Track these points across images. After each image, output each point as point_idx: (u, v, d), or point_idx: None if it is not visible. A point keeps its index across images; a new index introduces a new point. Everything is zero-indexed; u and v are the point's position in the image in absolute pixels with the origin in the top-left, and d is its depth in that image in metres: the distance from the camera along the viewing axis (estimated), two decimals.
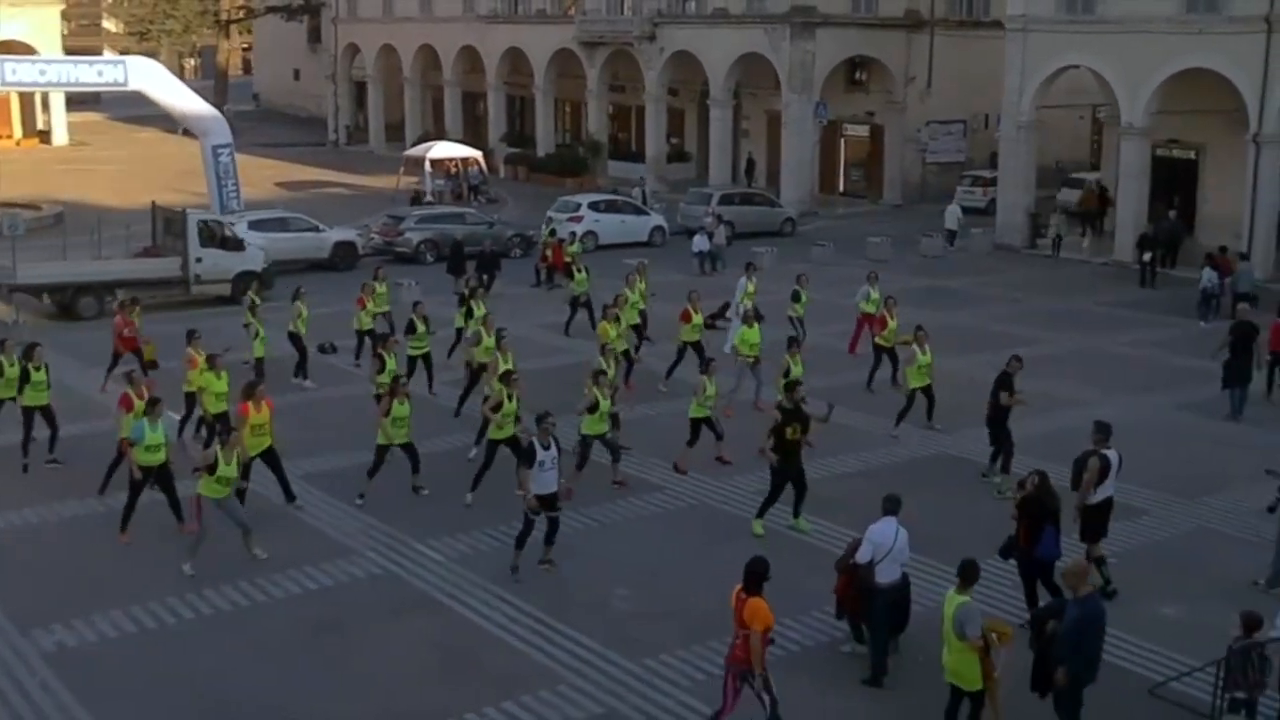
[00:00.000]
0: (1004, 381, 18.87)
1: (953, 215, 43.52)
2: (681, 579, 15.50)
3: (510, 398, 17.75)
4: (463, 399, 21.69)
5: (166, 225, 32.69)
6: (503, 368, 19.65)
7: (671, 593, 15.10)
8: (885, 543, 13.09)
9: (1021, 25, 41.20)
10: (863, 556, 13.17)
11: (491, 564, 15.61)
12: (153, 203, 34.99)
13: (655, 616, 14.48)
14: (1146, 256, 36.00)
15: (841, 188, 54.49)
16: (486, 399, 18.71)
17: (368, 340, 24.54)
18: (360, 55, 71.77)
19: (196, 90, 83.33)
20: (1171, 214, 39.37)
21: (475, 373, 21.31)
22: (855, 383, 23.98)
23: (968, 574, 11.55)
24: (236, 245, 32.21)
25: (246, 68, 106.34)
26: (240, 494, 16.32)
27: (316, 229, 36.26)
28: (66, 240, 35.03)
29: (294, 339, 24.25)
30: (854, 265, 37.16)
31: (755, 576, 11.51)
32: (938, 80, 50.97)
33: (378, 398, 18.89)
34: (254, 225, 35.47)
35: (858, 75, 52.51)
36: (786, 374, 19.82)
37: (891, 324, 23.76)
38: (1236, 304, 29.09)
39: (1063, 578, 11.99)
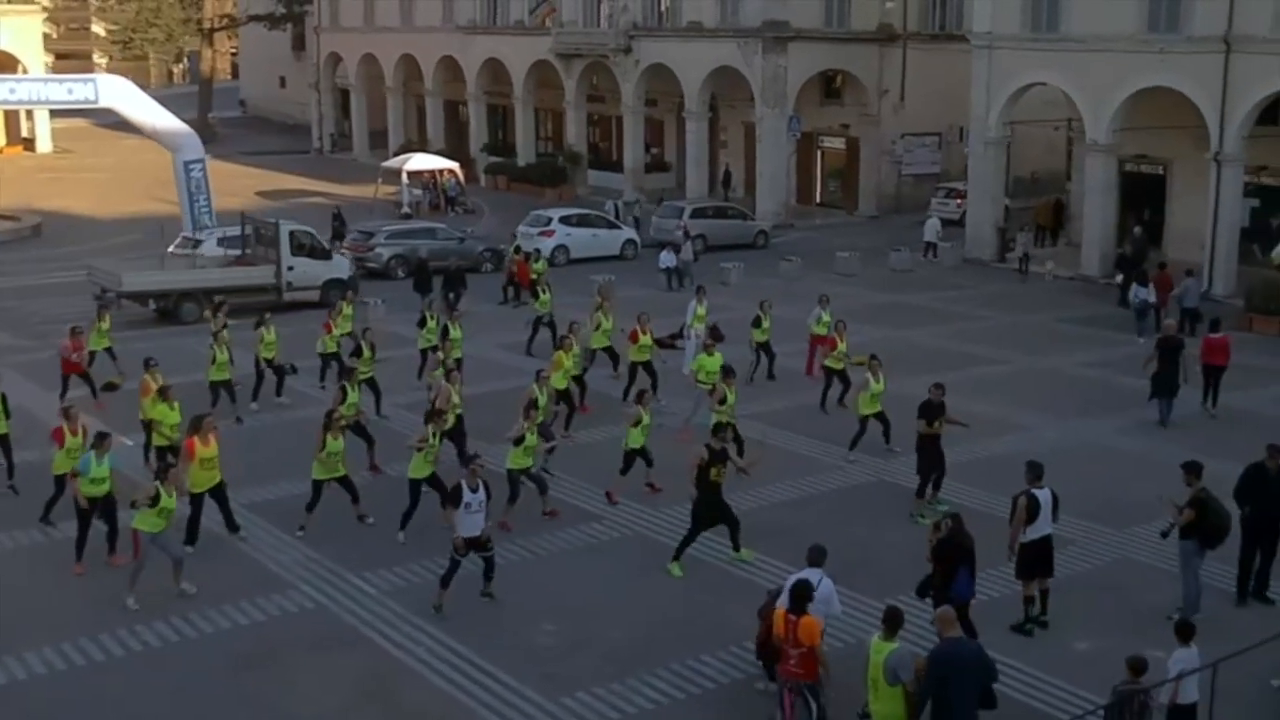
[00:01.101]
0: (925, 409, 19.16)
1: (932, 228, 43.94)
2: (609, 613, 15.78)
3: (436, 436, 18.08)
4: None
5: (257, 235, 34.58)
6: (454, 401, 20.03)
7: (597, 627, 15.37)
8: None
9: (987, 42, 41.54)
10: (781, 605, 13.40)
11: (423, 597, 15.88)
12: (242, 214, 36.78)
13: (578, 652, 14.73)
14: (1119, 278, 35.87)
15: (818, 199, 54.85)
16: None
17: (334, 364, 25.01)
18: (343, 64, 72.12)
19: (182, 97, 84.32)
20: (1137, 230, 39.72)
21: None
22: (809, 404, 24.27)
23: (893, 622, 11.73)
24: (324, 254, 34.43)
25: (235, 72, 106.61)
26: (194, 526, 16.75)
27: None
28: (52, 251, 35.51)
29: (260, 364, 24.59)
30: (822, 281, 37.60)
31: (801, 598, 12.32)
32: (911, 93, 51.29)
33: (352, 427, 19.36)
34: (223, 241, 35.75)
35: (834, 85, 52.83)
36: (723, 401, 20.23)
37: (841, 346, 24.03)
38: (1184, 319, 29.89)
39: (933, 621, 12.30)
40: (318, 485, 18.00)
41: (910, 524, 18.32)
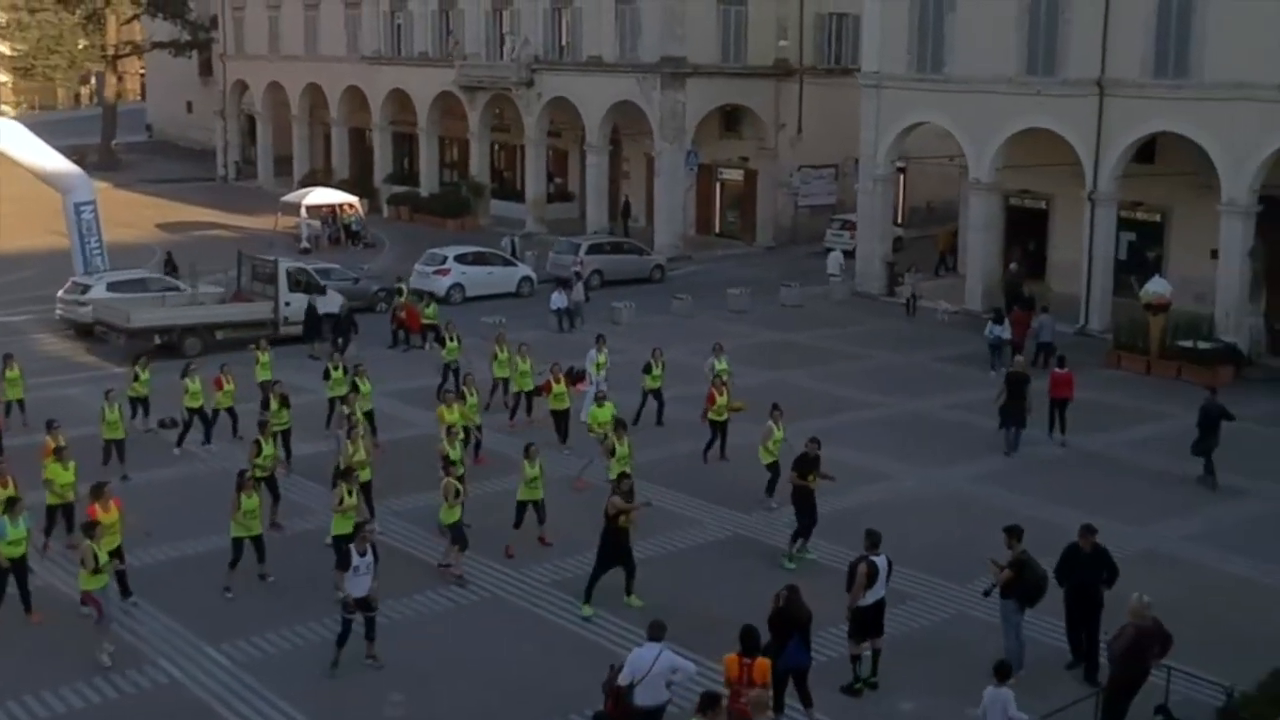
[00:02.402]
0: (801, 463, 19.91)
1: (835, 261, 44.85)
2: (461, 679, 16.21)
3: (351, 493, 18.50)
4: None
5: (253, 272, 36.44)
6: (354, 456, 20.37)
7: (445, 698, 15.78)
8: (641, 667, 13.57)
9: (875, 82, 42.50)
10: (623, 679, 13.88)
11: (276, 669, 16.25)
12: (239, 251, 38.53)
13: None
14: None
15: (718, 230, 55.62)
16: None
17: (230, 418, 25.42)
18: (249, 91, 71.98)
19: (89, 119, 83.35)
20: (1013, 266, 40.80)
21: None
22: (685, 454, 24.78)
23: (703, 702, 12.31)
24: (319, 290, 35.51)
25: (145, 92, 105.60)
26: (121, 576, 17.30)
27: (177, 288, 36.55)
28: None
29: (193, 414, 25.05)
30: (713, 318, 38.31)
31: (754, 641, 13.52)
32: (808, 126, 52.22)
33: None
34: (112, 286, 35.74)
35: (733, 119, 53.63)
36: (613, 454, 20.84)
37: (720, 399, 24.56)
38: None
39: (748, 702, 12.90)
40: (237, 543, 18.43)
41: (767, 577, 18.83)
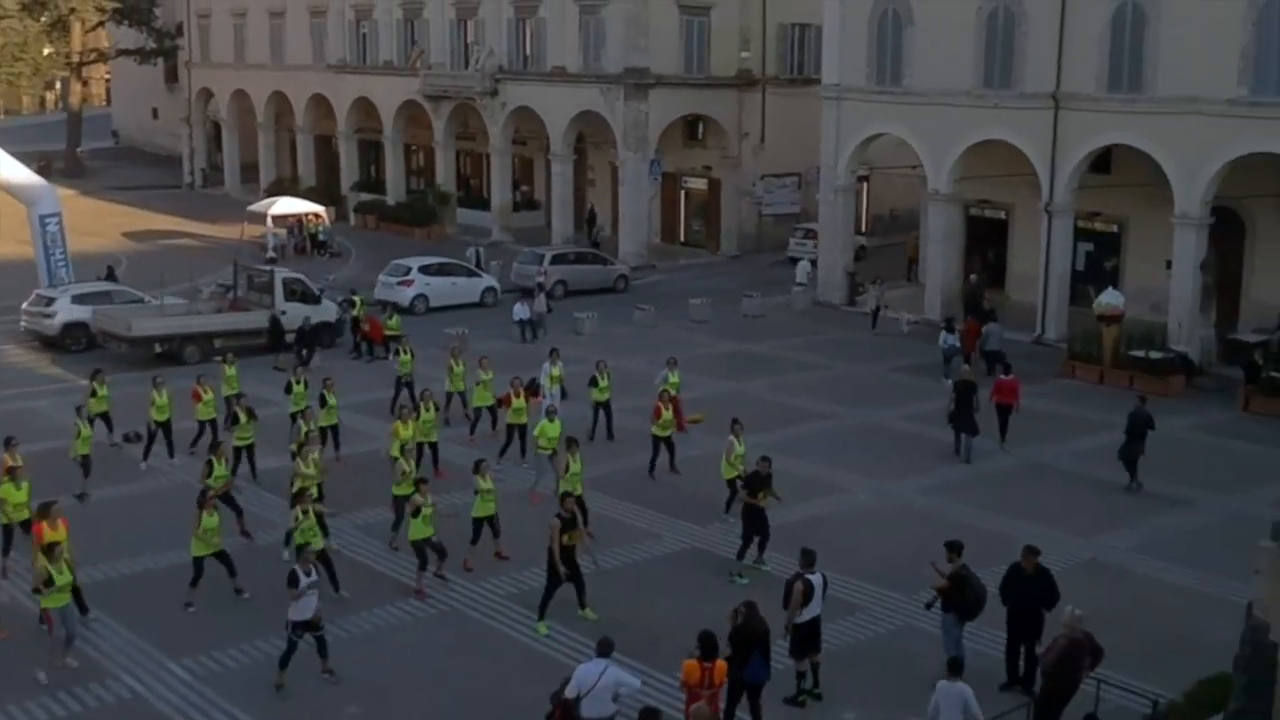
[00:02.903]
0: (752, 480, 20.36)
1: (803, 270, 45.42)
2: (417, 692, 16.55)
3: (307, 514, 18.81)
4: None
5: (249, 281, 37.42)
6: (306, 475, 20.66)
7: (401, 710, 16.10)
8: (587, 681, 13.97)
9: (836, 94, 43.03)
10: (569, 692, 14.26)
11: (234, 682, 16.55)
12: (235, 261, 39.56)
13: None
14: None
15: (683, 238, 56.06)
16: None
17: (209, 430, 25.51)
18: (215, 99, 72.03)
19: (55, 125, 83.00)
20: (973, 277, 41.39)
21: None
22: (635, 468, 25.11)
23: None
24: (314, 299, 36.55)
25: (110, 98, 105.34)
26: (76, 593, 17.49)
27: (141, 300, 36.71)
28: None
29: (159, 426, 25.23)
30: (674, 329, 38.71)
31: (713, 645, 14.03)
32: (771, 136, 52.76)
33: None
34: (77, 299, 35.89)
35: (697, 128, 54.09)
36: (566, 470, 21.17)
37: (665, 414, 24.95)
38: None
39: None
40: (198, 562, 18.70)
41: (720, 590, 19.26)
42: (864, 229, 55.90)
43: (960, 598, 16.10)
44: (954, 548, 16.51)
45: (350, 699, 16.24)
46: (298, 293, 36.56)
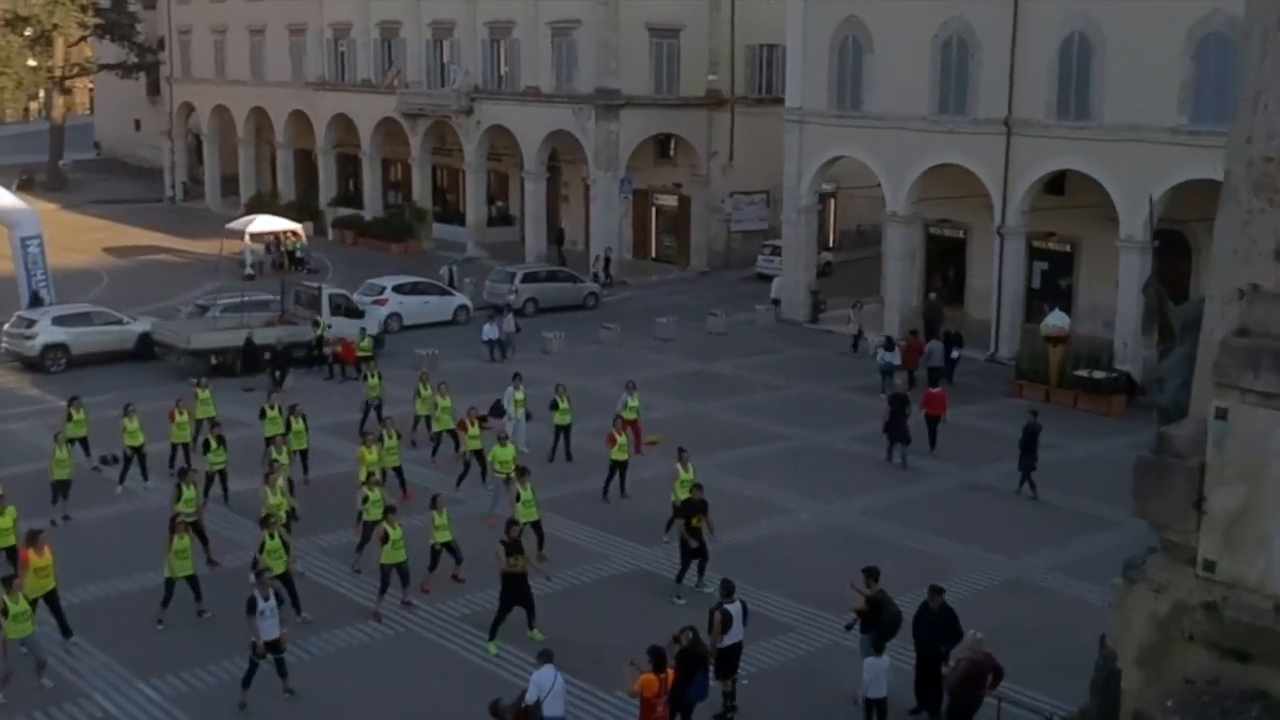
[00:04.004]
0: (686, 507, 21.57)
1: (778, 286, 46.55)
2: (373, 711, 17.66)
3: (273, 538, 19.87)
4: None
5: (296, 297, 39.34)
6: (271, 502, 21.68)
7: None
8: (546, 683, 15.45)
9: (798, 117, 44.27)
10: (530, 698, 15.50)
11: (201, 703, 17.67)
12: (281, 280, 42.11)
13: None
14: (955, 354, 36.67)
15: (654, 254, 57.24)
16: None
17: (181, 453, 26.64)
18: (196, 113, 73.03)
19: (37, 135, 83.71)
20: (932, 296, 42.65)
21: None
22: (591, 491, 26.22)
23: None
24: (357, 313, 38.92)
25: (94, 107, 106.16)
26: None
27: (120, 321, 37.78)
28: None
29: (133, 451, 26.21)
30: (639, 348, 39.85)
31: (664, 657, 15.43)
32: (740, 154, 53.99)
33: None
34: (58, 320, 36.95)
35: (668, 146, 55.27)
36: (518, 498, 22.31)
37: (620, 439, 26.03)
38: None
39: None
40: (170, 583, 19.77)
41: (662, 610, 20.41)
42: (832, 244, 57.23)
43: (877, 620, 17.29)
44: (871, 573, 17.71)
45: (310, 717, 17.36)
46: (342, 307, 38.70)
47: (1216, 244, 10.28)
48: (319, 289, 39.31)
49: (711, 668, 16.80)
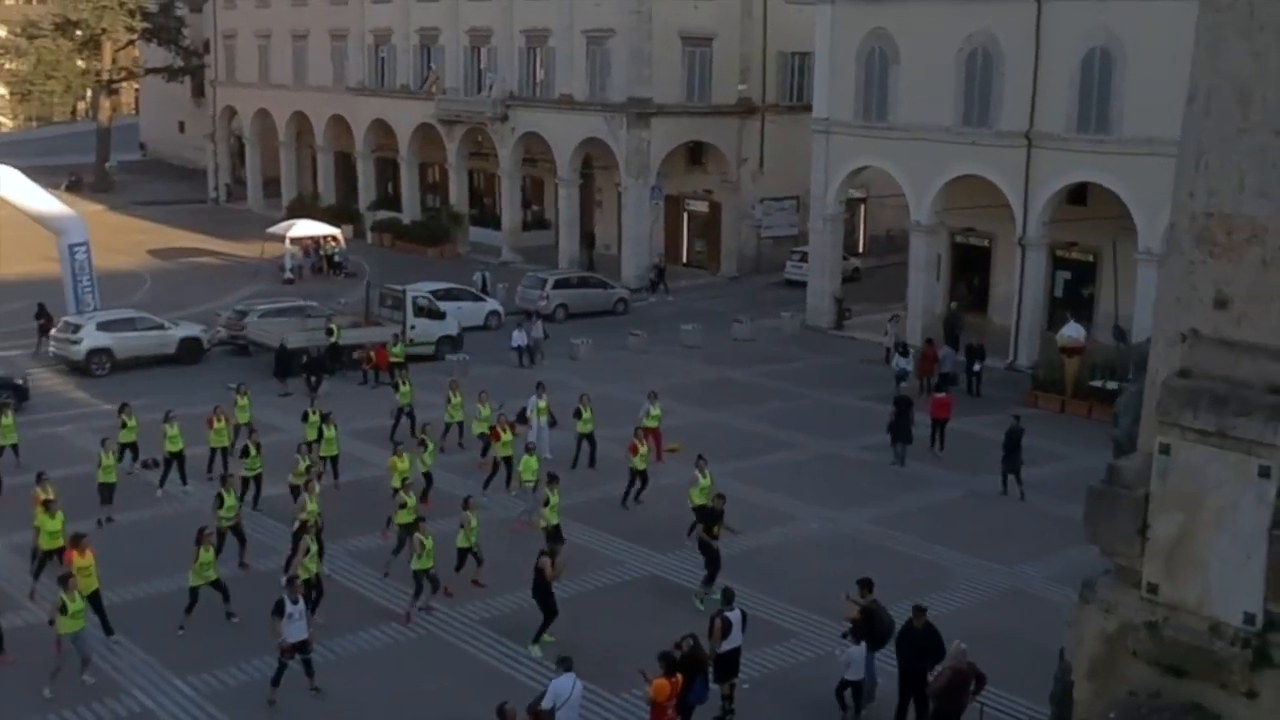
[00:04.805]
0: (707, 515, 22.47)
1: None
2: (395, 710, 18.66)
3: (313, 541, 20.90)
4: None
5: (381, 299, 41.56)
6: (310, 509, 22.66)
7: None
8: (564, 692, 16.34)
9: (825, 128, 45.03)
10: (546, 703, 16.45)
11: (234, 700, 18.73)
12: (366, 283, 44.00)
13: None
14: (977, 367, 37.19)
15: (685, 259, 58.13)
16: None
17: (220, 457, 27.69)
18: (239, 116, 74.47)
19: (86, 134, 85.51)
20: (953, 305, 43.32)
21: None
22: (611, 498, 27.15)
23: None
24: (439, 315, 40.92)
25: (139, 106, 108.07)
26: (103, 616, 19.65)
27: (162, 327, 39.07)
28: None
29: (172, 457, 27.18)
30: (663, 354, 40.75)
31: (674, 661, 16.51)
32: (770, 160, 54.78)
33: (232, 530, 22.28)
34: (102, 326, 38.24)
35: (701, 157, 56.14)
36: (546, 503, 23.28)
37: (641, 449, 26.90)
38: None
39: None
40: (194, 591, 20.80)
41: (672, 616, 21.24)
42: (861, 249, 57.97)
43: (870, 629, 18.15)
44: (865, 584, 18.58)
45: (334, 715, 18.39)
46: (424, 309, 40.57)
47: (1161, 290, 11.09)
48: (403, 291, 40.88)
49: (711, 671, 17.70)
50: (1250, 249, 10.21)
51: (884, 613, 18.40)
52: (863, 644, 17.75)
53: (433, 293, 44.76)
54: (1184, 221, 10.69)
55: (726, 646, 18.03)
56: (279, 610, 18.41)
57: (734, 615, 18.17)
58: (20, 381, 34.66)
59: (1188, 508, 10.47)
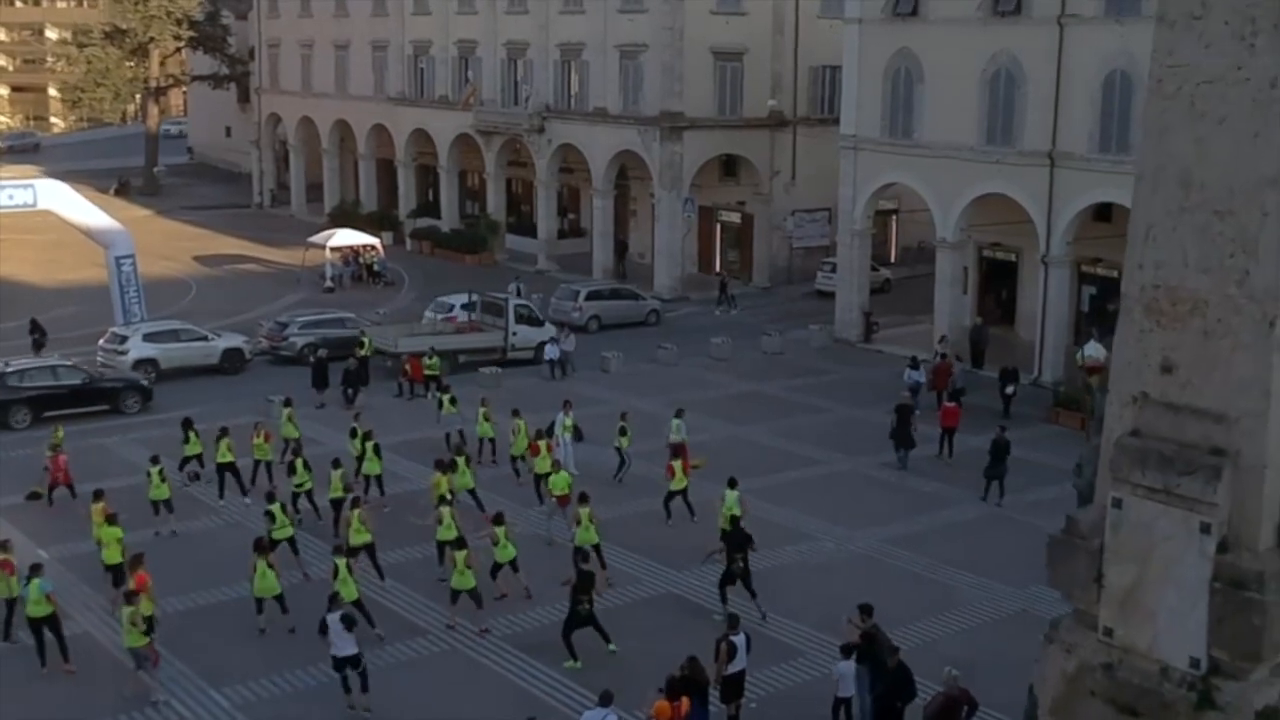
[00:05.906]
0: (734, 539, 23.27)
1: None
2: None
3: (346, 566, 21.78)
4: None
5: (484, 306, 43.57)
6: (354, 529, 23.72)
7: None
8: None
9: (853, 144, 45.76)
10: None
11: (267, 710, 19.80)
12: (469, 291, 45.21)
13: None
14: (1010, 389, 36.95)
15: (718, 269, 58.91)
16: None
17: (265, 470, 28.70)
18: (283, 124, 75.95)
19: (134, 137, 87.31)
20: (978, 320, 43.94)
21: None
22: (637, 514, 28.00)
23: None
24: (538, 322, 42.94)
25: (187, 109, 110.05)
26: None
27: (206, 338, 40.34)
28: None
29: (223, 469, 28.24)
30: (693, 366, 41.59)
31: (678, 687, 17.35)
32: (802, 173, 55.51)
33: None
34: (148, 337, 39.55)
35: (733, 167, 56.96)
36: (579, 522, 24.18)
37: (678, 472, 27.48)
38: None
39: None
40: (259, 601, 21.93)
41: (685, 634, 22.09)
42: (892, 260, 58.61)
43: (869, 652, 18.98)
44: (865, 610, 19.43)
45: None
46: (525, 316, 42.57)
47: (1114, 354, 11.88)
48: (505, 300, 42.96)
49: (716, 693, 18.60)
50: (1193, 320, 10.96)
51: (883, 636, 19.22)
52: (853, 659, 18.52)
53: (465, 304, 45.83)
54: (1134, 291, 11.46)
55: (732, 669, 18.92)
56: (322, 629, 19.41)
57: (739, 639, 19.05)
58: (145, 382, 36.76)
59: (1139, 559, 11.25)
